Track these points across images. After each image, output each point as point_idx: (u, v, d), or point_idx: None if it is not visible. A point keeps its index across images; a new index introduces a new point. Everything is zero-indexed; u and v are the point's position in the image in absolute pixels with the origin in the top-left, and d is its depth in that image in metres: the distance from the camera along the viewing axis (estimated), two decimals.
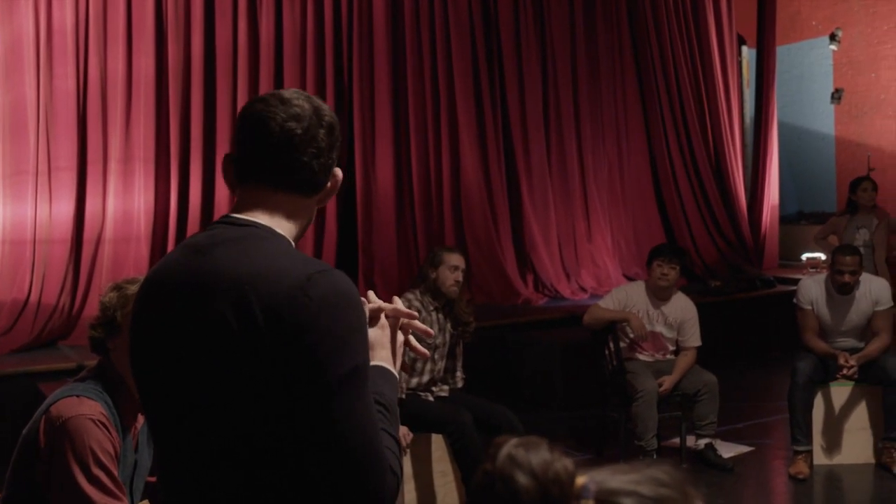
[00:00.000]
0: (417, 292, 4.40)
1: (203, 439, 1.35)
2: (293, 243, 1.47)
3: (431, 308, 4.39)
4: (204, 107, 7.41)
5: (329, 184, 1.50)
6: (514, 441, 0.88)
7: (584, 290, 8.78)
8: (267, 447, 1.31)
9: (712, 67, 10.03)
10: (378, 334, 1.54)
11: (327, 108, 1.50)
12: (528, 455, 0.86)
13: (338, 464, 1.29)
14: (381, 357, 1.52)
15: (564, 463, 0.86)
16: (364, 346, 1.35)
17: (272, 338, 1.28)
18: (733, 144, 10.18)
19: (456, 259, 4.45)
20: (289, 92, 1.48)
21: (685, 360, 5.14)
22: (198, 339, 1.34)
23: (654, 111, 9.75)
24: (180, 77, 7.36)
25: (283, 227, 1.46)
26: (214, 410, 1.33)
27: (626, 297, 5.26)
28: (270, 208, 1.45)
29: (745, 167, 10.47)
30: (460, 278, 4.43)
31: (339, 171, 1.52)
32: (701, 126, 9.96)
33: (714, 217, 9.96)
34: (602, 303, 5.31)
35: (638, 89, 9.75)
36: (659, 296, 5.24)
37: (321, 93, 7.85)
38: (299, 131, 1.43)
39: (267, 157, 1.44)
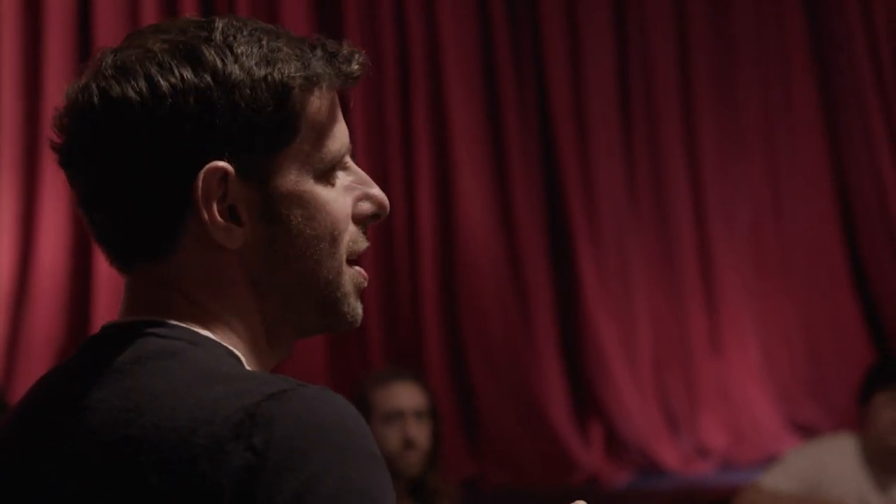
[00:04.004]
0: None
1: None
2: (244, 351, 1.12)
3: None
4: None
5: (201, 211, 1.10)
6: None
7: (707, 453, 6.85)
8: None
9: None
10: None
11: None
12: None
13: None
14: None
15: None
16: None
17: None
18: None
19: (393, 398, 3.80)
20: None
21: None
22: None
23: (843, 105, 7.67)
24: None
25: (215, 320, 1.13)
26: None
27: (816, 469, 4.62)
28: (169, 291, 1.13)
29: None
30: (413, 433, 3.78)
31: (212, 168, 1.10)
32: None
33: None
34: (769, 479, 4.78)
35: (812, 62, 7.69)
36: (888, 465, 4.63)
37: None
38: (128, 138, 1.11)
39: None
